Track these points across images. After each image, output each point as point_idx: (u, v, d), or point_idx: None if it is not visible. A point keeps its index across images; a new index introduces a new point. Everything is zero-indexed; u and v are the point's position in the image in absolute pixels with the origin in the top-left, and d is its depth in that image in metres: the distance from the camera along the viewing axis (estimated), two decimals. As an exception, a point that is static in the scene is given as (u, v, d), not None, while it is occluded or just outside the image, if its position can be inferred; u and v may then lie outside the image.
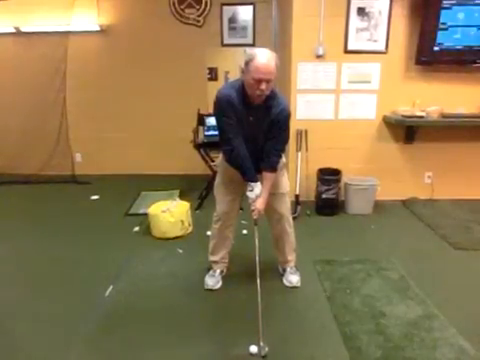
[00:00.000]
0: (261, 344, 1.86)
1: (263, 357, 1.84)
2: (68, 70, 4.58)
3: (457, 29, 3.36)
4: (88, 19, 4.42)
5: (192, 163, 4.18)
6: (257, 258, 2.12)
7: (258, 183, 2.14)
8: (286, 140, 2.23)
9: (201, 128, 3.85)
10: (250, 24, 4.46)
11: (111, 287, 2.44)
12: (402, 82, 3.61)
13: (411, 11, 3.43)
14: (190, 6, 4.41)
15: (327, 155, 3.73)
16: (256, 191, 2.12)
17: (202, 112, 3.82)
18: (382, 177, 3.67)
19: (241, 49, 4.19)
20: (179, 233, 3.14)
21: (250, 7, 4.41)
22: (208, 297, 2.36)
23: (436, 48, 3.41)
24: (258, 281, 2.06)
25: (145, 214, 3.27)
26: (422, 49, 3.44)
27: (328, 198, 3.58)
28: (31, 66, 4.57)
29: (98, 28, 4.42)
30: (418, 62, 3.50)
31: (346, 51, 3.52)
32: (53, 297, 2.36)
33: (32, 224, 3.48)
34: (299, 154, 3.72)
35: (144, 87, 4.66)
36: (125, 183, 4.57)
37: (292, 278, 2.47)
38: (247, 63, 1.91)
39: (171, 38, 4.49)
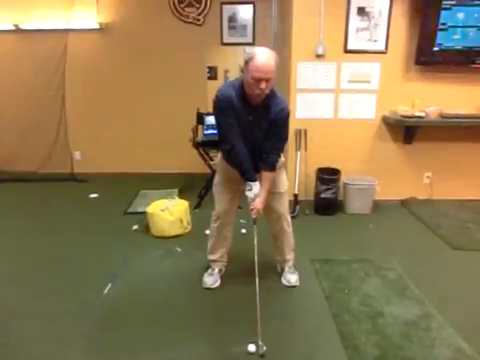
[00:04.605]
0: (259, 343, 1.87)
1: (261, 356, 1.84)
2: (67, 68, 4.57)
3: (457, 29, 3.36)
4: (87, 17, 4.40)
5: (191, 162, 4.18)
6: (256, 257, 2.12)
7: (257, 182, 2.14)
8: (285, 139, 2.23)
9: (200, 127, 3.85)
10: (250, 23, 4.45)
11: (110, 285, 2.44)
12: (402, 82, 3.61)
13: (411, 11, 3.43)
14: (190, 5, 4.39)
15: (326, 155, 3.73)
16: (255, 190, 2.13)
17: (201, 111, 3.82)
18: (381, 177, 3.67)
19: (241, 48, 4.19)
20: (178, 232, 3.14)
21: (250, 6, 4.41)
22: (206, 296, 2.36)
23: (436, 48, 3.41)
24: (257, 280, 2.06)
25: (144, 213, 3.27)
26: (422, 49, 3.44)
27: (327, 198, 3.59)
28: (30, 64, 4.56)
29: (97, 26, 4.41)
30: (418, 62, 3.51)
31: (346, 51, 3.52)
32: (51, 295, 2.36)
33: (31, 222, 3.47)
34: (298, 153, 3.72)
35: (143, 85, 4.65)
36: (124, 181, 4.56)
37: (290, 277, 2.47)
38: (246, 62, 1.91)
39: (171, 37, 4.48)
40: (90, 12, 4.40)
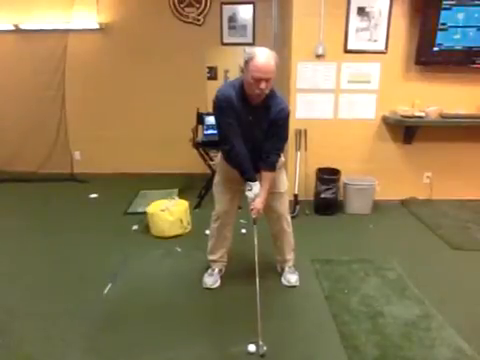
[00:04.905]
0: (260, 343, 1.87)
1: (261, 356, 1.84)
2: (67, 68, 4.57)
3: (457, 30, 3.37)
4: (87, 17, 4.40)
5: (191, 162, 4.18)
6: (256, 257, 2.12)
7: (257, 182, 2.14)
8: (285, 139, 2.24)
9: (200, 127, 3.85)
10: (250, 23, 4.45)
11: (110, 285, 2.44)
12: (402, 82, 3.61)
13: (411, 11, 3.43)
14: (190, 5, 4.39)
15: (326, 155, 3.73)
16: (255, 190, 2.13)
17: (201, 111, 3.82)
18: (381, 177, 3.67)
19: (241, 48, 4.18)
20: (178, 232, 3.14)
21: (250, 6, 4.40)
22: (206, 296, 2.36)
23: (436, 48, 3.42)
24: (257, 280, 2.06)
25: (144, 213, 3.27)
26: (422, 49, 3.44)
27: (327, 198, 3.59)
28: (30, 64, 4.56)
29: (97, 26, 4.41)
30: (418, 62, 3.51)
31: (346, 51, 3.52)
32: (51, 295, 2.36)
33: (31, 222, 3.47)
34: (298, 153, 3.72)
35: (143, 86, 4.65)
36: (124, 182, 4.56)
37: (291, 277, 2.47)
38: (246, 62, 1.91)
39: (171, 37, 4.48)
40: (90, 12, 4.40)
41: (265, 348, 1.85)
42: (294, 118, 3.55)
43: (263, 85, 1.89)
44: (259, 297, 2.01)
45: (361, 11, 3.42)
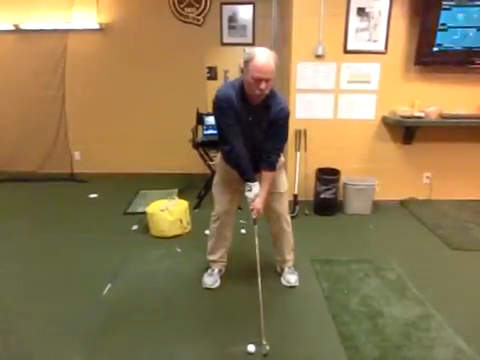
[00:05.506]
0: (263, 342, 1.87)
1: (264, 355, 1.85)
2: (67, 68, 4.57)
3: (456, 30, 3.37)
4: (87, 17, 4.40)
5: (191, 162, 4.19)
6: (258, 257, 2.12)
7: (256, 182, 2.14)
8: (285, 139, 2.24)
9: (200, 127, 3.85)
10: (250, 23, 4.45)
11: (109, 286, 2.44)
12: (401, 82, 3.62)
13: (411, 12, 3.43)
14: (190, 5, 4.40)
15: (326, 155, 3.73)
16: (254, 191, 2.13)
17: (201, 111, 3.82)
18: (381, 177, 3.67)
19: (241, 48, 4.19)
20: (178, 232, 3.14)
21: (250, 6, 4.41)
22: (206, 296, 2.36)
23: (435, 49, 3.42)
24: (259, 280, 2.07)
25: (144, 213, 3.27)
26: (421, 50, 3.44)
27: (327, 198, 3.59)
28: (30, 64, 4.56)
29: (97, 26, 4.41)
30: (417, 63, 3.51)
31: (346, 51, 3.52)
32: (51, 295, 2.36)
33: (30, 222, 3.46)
34: (298, 154, 3.72)
35: (143, 86, 4.65)
36: (124, 182, 4.56)
37: (290, 277, 2.47)
38: (246, 62, 1.92)
39: (171, 37, 4.48)
40: (90, 12, 4.40)
41: (268, 348, 1.86)
42: (294, 118, 3.55)
43: (263, 85, 1.89)
44: (261, 297, 2.01)
45: (361, 11, 3.42)
